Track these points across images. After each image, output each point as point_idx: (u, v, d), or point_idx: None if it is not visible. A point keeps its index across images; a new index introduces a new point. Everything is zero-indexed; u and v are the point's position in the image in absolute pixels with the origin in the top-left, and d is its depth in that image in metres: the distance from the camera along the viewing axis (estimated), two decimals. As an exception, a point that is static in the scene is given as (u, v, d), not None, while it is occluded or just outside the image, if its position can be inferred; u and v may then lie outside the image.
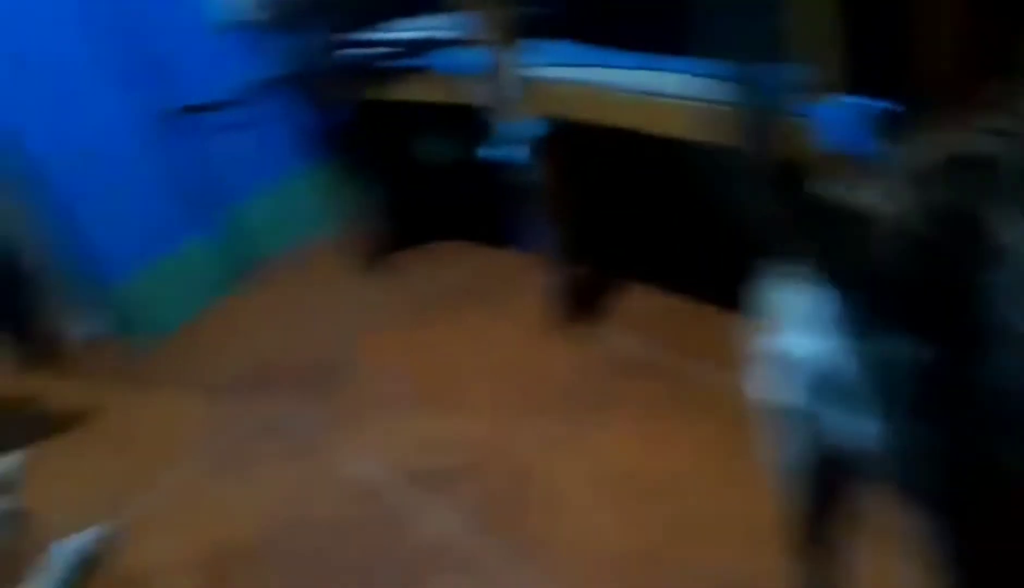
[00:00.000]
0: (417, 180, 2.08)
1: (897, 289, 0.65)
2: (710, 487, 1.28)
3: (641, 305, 1.73)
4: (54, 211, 1.88)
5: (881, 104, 0.92)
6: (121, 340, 2.04)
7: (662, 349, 1.60)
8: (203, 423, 1.75)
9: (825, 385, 0.69)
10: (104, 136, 1.85)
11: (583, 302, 1.70)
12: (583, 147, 1.48)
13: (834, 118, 0.96)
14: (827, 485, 0.80)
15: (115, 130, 1.87)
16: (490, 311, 1.84)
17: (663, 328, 1.65)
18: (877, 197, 0.69)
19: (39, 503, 1.60)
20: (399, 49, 1.44)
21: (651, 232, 1.73)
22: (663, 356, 1.58)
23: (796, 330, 0.71)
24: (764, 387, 0.76)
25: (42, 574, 1.41)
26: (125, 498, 1.58)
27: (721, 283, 1.62)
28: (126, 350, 2.02)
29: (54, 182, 1.82)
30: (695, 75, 1.11)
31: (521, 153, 1.41)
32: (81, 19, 1.78)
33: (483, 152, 1.41)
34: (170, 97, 1.96)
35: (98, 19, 1.80)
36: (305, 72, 1.60)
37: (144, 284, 1.99)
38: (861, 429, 0.68)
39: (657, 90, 1.22)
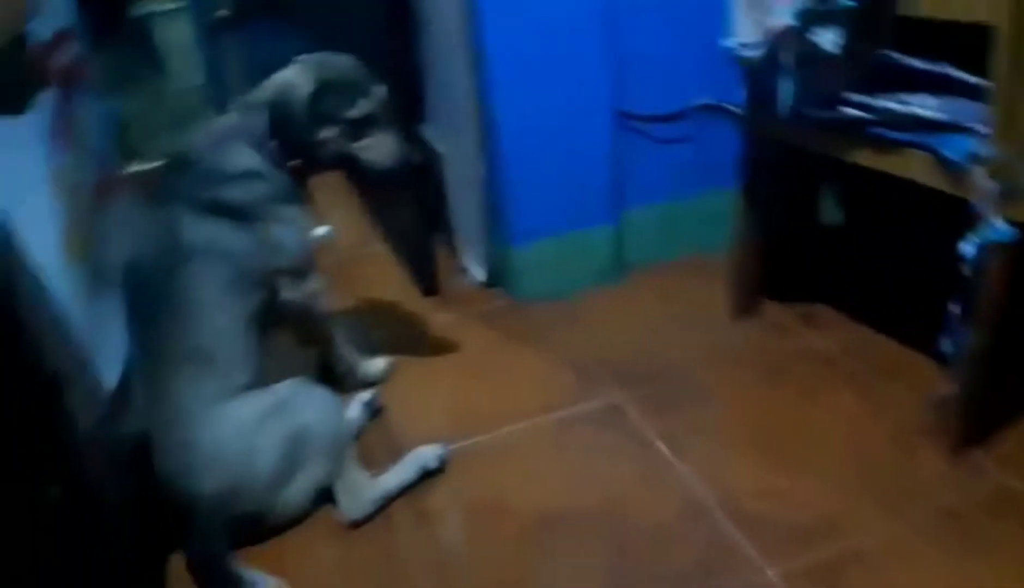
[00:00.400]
0: (811, 239, 2.05)
1: None
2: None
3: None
4: (488, 169, 2.09)
5: None
6: (506, 295, 2.24)
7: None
8: (548, 390, 1.86)
9: None
10: (562, 115, 2.03)
11: (974, 422, 1.57)
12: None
13: None
14: None
15: (574, 112, 2.04)
16: (855, 391, 1.76)
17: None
18: None
19: (395, 406, 1.83)
20: (898, 120, 1.40)
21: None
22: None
23: None
24: None
25: (396, 470, 1.60)
26: (463, 432, 1.73)
27: None
28: (508, 305, 2.21)
29: (500, 143, 2.02)
30: None
31: (972, 250, 1.34)
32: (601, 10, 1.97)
33: (964, 247, 1.35)
34: (629, 100, 2.11)
35: (617, 13, 1.99)
36: (764, 112, 1.62)
37: (542, 253, 2.16)
38: None
39: None
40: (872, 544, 1.40)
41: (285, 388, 1.50)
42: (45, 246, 1.24)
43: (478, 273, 2.30)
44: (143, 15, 3.67)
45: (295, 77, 1.53)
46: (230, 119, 1.55)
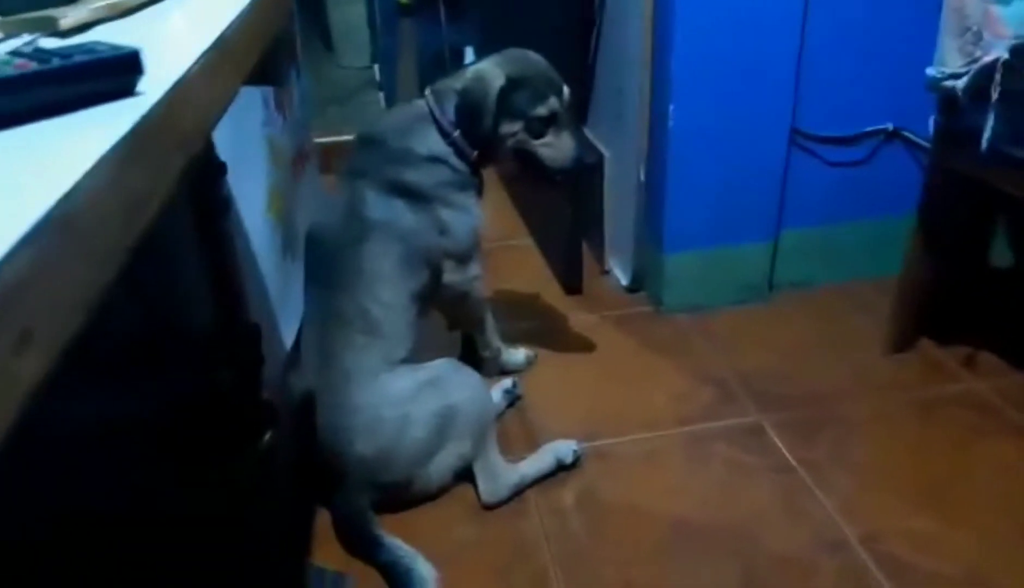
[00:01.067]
0: (981, 282, 1.97)
1: None
2: None
3: None
4: (650, 173, 2.10)
5: None
6: (648, 302, 2.25)
7: None
8: (689, 404, 1.85)
9: None
10: (737, 128, 2.02)
11: None
12: None
13: None
14: None
15: (751, 126, 2.02)
16: (1015, 441, 1.68)
17: None
18: None
19: (533, 397, 1.87)
20: None
21: None
22: None
23: None
24: None
25: (533, 460, 1.63)
26: (598, 432, 1.75)
27: None
28: (650, 312, 2.22)
29: (668, 148, 2.02)
30: None
31: None
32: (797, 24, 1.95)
33: None
34: (805, 119, 2.08)
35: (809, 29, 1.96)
36: (952, 143, 1.57)
37: (691, 263, 2.15)
38: None
39: None
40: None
41: (440, 366, 1.56)
42: (253, 204, 1.33)
43: (622, 277, 2.31)
44: (320, -6, 3.86)
45: (489, 70, 1.57)
46: (422, 104, 1.61)
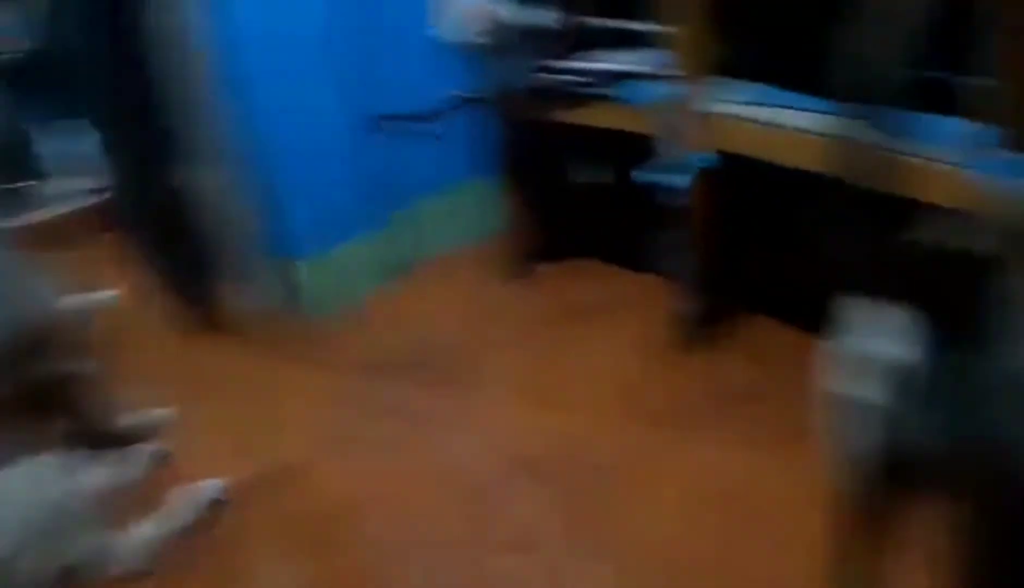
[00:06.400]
0: (569, 200, 2.20)
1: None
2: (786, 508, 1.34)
3: (761, 336, 1.81)
4: (254, 189, 2.07)
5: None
6: (286, 315, 2.18)
7: (773, 380, 1.66)
8: (334, 398, 1.88)
9: (899, 384, 0.76)
10: (314, 130, 2.04)
11: (705, 329, 1.78)
12: (736, 182, 1.55)
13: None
14: (888, 479, 0.83)
15: (324, 126, 2.05)
16: (613, 328, 1.96)
17: (779, 360, 1.71)
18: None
19: (181, 449, 1.73)
20: (594, 78, 1.58)
21: (783, 267, 1.75)
22: (773, 386, 1.64)
23: (877, 336, 0.78)
24: (841, 383, 0.82)
25: (165, 513, 1.52)
26: (248, 457, 1.69)
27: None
28: (289, 325, 2.16)
29: (263, 164, 2.01)
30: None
31: (680, 182, 1.51)
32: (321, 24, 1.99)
33: (640, 176, 1.53)
34: (377, 103, 2.13)
35: (336, 22, 2.01)
36: (503, 92, 1.80)
37: (317, 267, 2.14)
38: (927, 425, 0.76)
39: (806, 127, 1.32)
40: (621, 459, 1.57)
41: None
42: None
43: (261, 299, 2.21)
44: None
45: None
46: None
